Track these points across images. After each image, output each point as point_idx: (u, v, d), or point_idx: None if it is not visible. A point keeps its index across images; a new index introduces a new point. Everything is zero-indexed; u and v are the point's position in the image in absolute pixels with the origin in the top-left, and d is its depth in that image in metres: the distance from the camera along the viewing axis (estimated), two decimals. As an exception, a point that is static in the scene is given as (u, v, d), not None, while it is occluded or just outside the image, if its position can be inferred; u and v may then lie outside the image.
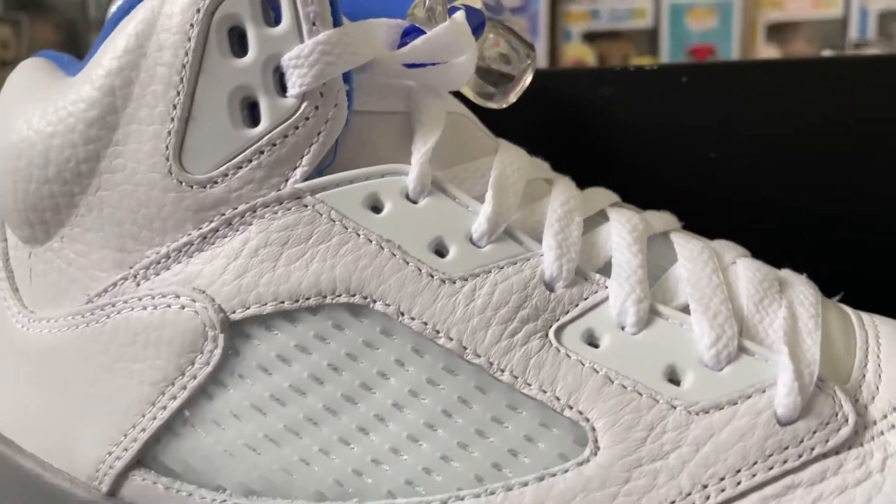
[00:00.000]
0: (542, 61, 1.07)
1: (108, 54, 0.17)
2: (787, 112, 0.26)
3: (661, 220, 0.20)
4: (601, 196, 0.20)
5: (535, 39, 1.08)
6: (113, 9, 0.19)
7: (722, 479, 0.14)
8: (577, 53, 1.08)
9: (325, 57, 0.16)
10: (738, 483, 0.14)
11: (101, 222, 0.17)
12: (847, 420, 0.15)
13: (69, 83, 0.18)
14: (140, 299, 0.17)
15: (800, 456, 0.14)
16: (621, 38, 1.09)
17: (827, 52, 0.97)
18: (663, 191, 0.23)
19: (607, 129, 0.26)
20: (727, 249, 0.19)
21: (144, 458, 0.17)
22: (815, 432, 0.14)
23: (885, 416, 0.15)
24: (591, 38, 1.08)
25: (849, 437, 0.14)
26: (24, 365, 0.19)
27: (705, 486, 0.14)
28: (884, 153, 0.25)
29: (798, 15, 1.04)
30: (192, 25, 0.16)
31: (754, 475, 0.14)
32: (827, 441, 0.14)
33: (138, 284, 0.17)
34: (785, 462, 0.14)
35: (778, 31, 1.06)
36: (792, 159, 0.26)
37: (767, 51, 1.04)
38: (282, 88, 0.17)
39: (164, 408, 0.17)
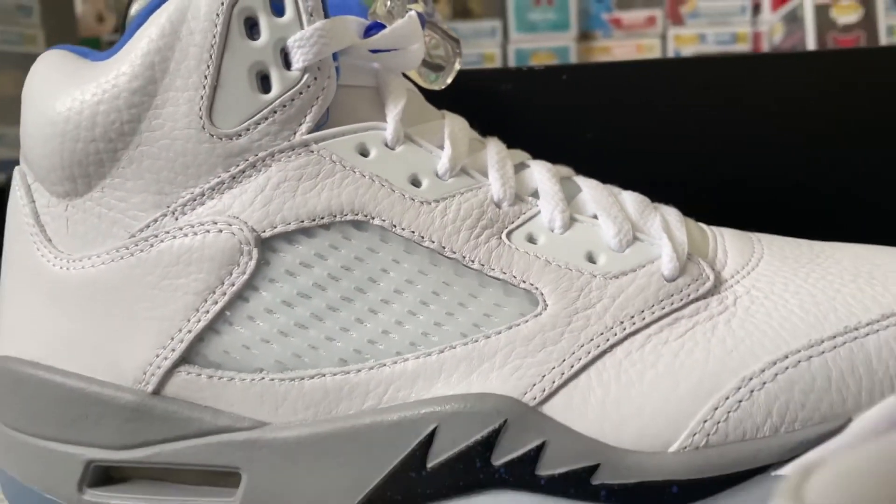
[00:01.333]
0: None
1: (145, 38, 0.22)
2: (641, 103, 0.34)
3: (565, 170, 0.26)
4: (520, 154, 0.26)
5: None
6: (134, 9, 0.24)
7: (632, 316, 0.21)
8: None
9: (321, 40, 0.22)
10: (644, 318, 0.21)
11: (140, 171, 0.22)
12: (709, 277, 0.21)
13: (107, 64, 0.22)
14: (181, 229, 0.21)
15: (681, 300, 0.21)
16: (475, 80, 1.18)
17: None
18: (553, 160, 0.29)
19: (507, 115, 0.32)
20: (612, 188, 0.26)
21: (189, 356, 0.21)
22: (689, 285, 0.21)
23: (733, 276, 0.22)
24: (447, 80, 1.17)
25: (711, 288, 0.21)
26: (64, 301, 0.22)
27: (622, 322, 0.20)
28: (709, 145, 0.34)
29: (625, 58, 1.18)
30: (217, 15, 0.21)
31: (653, 312, 0.21)
32: (698, 290, 0.21)
33: (177, 219, 0.21)
34: (672, 304, 0.21)
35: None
36: (652, 138, 0.33)
37: (603, 89, 1.18)
38: (287, 64, 0.22)
39: (207, 311, 0.21)
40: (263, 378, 0.21)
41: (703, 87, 0.34)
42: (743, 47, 1.17)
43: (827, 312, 0.20)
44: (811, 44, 1.03)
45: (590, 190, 0.24)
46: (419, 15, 0.25)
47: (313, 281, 0.21)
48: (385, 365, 0.21)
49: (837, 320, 0.20)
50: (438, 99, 0.27)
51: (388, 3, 0.24)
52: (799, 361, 0.19)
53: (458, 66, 0.27)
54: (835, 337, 0.20)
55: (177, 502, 0.22)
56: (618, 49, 1.17)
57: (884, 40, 1.05)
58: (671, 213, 0.24)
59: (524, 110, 0.32)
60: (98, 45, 1.14)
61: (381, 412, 0.20)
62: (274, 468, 0.21)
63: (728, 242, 0.24)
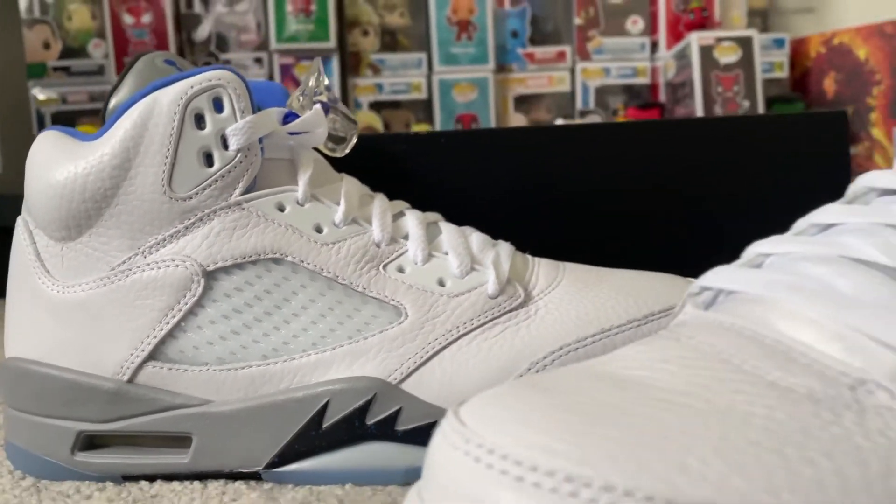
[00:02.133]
0: (336, 127, 1.23)
1: (122, 128, 0.30)
2: (504, 163, 0.43)
3: (433, 216, 0.36)
4: (401, 204, 0.36)
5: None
6: (113, 103, 0.33)
7: (465, 323, 0.30)
8: (367, 119, 1.26)
9: (250, 130, 0.31)
10: (472, 324, 0.30)
11: (119, 223, 0.30)
12: (521, 295, 0.31)
13: (94, 144, 0.31)
14: (148, 264, 0.30)
15: (499, 311, 0.30)
16: (403, 107, 1.28)
17: (560, 120, 1.22)
18: (429, 208, 0.39)
19: (397, 170, 0.42)
20: (467, 229, 0.35)
21: (154, 354, 0.30)
22: (506, 301, 0.31)
23: (539, 294, 0.32)
24: (377, 107, 1.27)
25: (521, 303, 0.31)
26: (60, 315, 0.31)
27: (458, 327, 0.30)
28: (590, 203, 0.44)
29: (538, 89, 1.29)
30: (175, 113, 0.30)
31: (479, 320, 0.30)
32: (511, 304, 0.31)
33: (145, 257, 0.30)
34: (492, 314, 0.30)
35: (524, 102, 1.30)
36: (510, 192, 0.43)
37: (516, 117, 1.29)
38: (225, 146, 0.31)
39: (168, 323, 0.30)
40: (208, 369, 0.30)
41: (563, 150, 0.44)
42: (643, 80, 1.29)
43: (592, 319, 0.30)
44: (697, 80, 1.16)
45: (447, 233, 0.34)
46: (324, 104, 0.34)
47: (244, 301, 0.30)
48: (294, 359, 0.30)
49: (598, 324, 0.30)
50: (343, 162, 0.36)
51: (301, 98, 0.34)
52: (569, 352, 0.29)
53: (354, 140, 0.36)
54: (595, 335, 0.30)
55: (144, 459, 0.31)
56: (531, 80, 1.28)
57: (759, 77, 1.18)
58: (504, 249, 0.34)
59: (413, 168, 0.42)
60: (44, 71, 1.20)
61: (292, 391, 0.30)
62: (216, 432, 0.30)
63: (541, 270, 0.33)
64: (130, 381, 0.30)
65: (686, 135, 0.44)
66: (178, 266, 0.30)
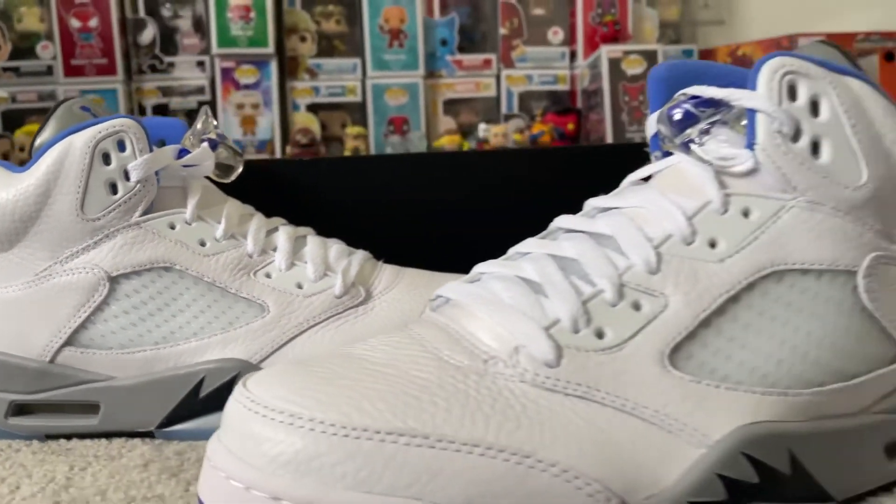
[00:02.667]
0: (276, 128, 1.32)
1: (45, 164, 0.38)
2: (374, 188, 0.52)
3: (304, 230, 0.45)
4: (277, 220, 0.44)
5: (269, 110, 1.32)
6: (38, 142, 0.41)
7: (315, 317, 0.39)
8: (305, 121, 1.34)
9: (147, 165, 0.39)
10: (320, 318, 0.39)
11: (41, 239, 0.39)
12: (362, 295, 0.40)
13: (22, 175, 0.39)
14: (66, 271, 0.39)
15: (343, 308, 0.40)
16: (339, 108, 1.36)
17: (483, 125, 1.31)
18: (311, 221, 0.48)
19: (288, 191, 0.50)
20: (331, 241, 0.44)
21: (70, 340, 0.39)
22: (350, 300, 0.40)
23: (379, 294, 0.41)
24: (314, 108, 1.35)
25: (362, 301, 0.40)
26: (-6, 311, 0.39)
27: (309, 321, 0.39)
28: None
29: (465, 94, 1.38)
30: (86, 153, 0.38)
31: (326, 315, 0.39)
32: (353, 302, 0.40)
33: (63, 265, 0.39)
34: (336, 310, 0.39)
35: (452, 106, 1.39)
36: (373, 204, 0.52)
37: (445, 120, 1.38)
38: (127, 178, 0.39)
39: (80, 317, 0.38)
40: (112, 353, 0.39)
41: (421, 174, 0.53)
42: (563, 87, 1.39)
43: (416, 313, 0.39)
44: (606, 90, 1.26)
45: (310, 245, 0.42)
46: (212, 141, 0.43)
47: (140, 300, 0.39)
48: (180, 345, 0.39)
49: (412, 315, 0.39)
50: (239, 186, 0.45)
51: (191, 138, 0.42)
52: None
53: (240, 169, 0.45)
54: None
55: (63, 422, 0.39)
56: (459, 86, 1.37)
57: (663, 89, 1.28)
58: (358, 257, 0.43)
59: (300, 189, 0.51)
60: (-7, 71, 1.25)
61: (177, 369, 0.38)
62: (118, 401, 0.39)
63: (385, 275, 0.43)
64: (51, 361, 0.39)
65: (508, 161, 0.53)
66: (88, 273, 0.39)
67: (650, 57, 1.28)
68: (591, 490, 0.23)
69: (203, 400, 0.38)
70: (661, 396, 0.24)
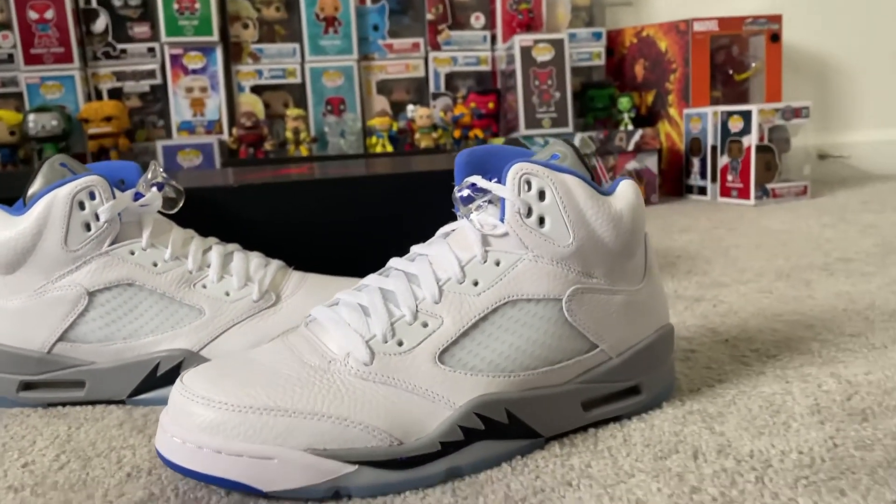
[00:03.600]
0: (223, 109, 1.44)
1: (36, 211, 0.54)
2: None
3: (232, 246, 0.60)
4: (212, 240, 0.60)
5: (216, 93, 1.45)
6: (30, 192, 0.56)
7: (237, 318, 0.55)
8: (249, 102, 1.47)
9: (111, 209, 0.55)
10: (240, 318, 0.55)
11: (36, 267, 0.54)
12: (273, 298, 0.56)
13: (20, 219, 0.54)
14: (56, 288, 0.54)
15: (258, 310, 0.56)
16: (281, 89, 1.49)
17: (410, 106, 1.46)
18: (238, 238, 0.64)
19: (217, 213, 0.66)
20: (253, 254, 0.60)
21: (62, 337, 0.54)
22: (264, 303, 0.56)
23: (287, 297, 0.57)
24: (258, 90, 1.48)
25: (274, 303, 0.56)
26: (5, 316, 0.55)
27: (233, 321, 0.55)
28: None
29: (397, 75, 1.52)
30: (67, 202, 0.54)
31: (243, 316, 0.55)
32: (267, 305, 0.56)
33: (54, 283, 0.54)
34: (252, 312, 0.56)
35: (385, 86, 1.53)
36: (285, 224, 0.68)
37: (379, 99, 1.52)
38: (97, 219, 0.54)
39: (68, 320, 0.54)
40: (93, 345, 0.55)
41: (323, 196, 0.69)
42: (485, 68, 1.53)
43: (313, 305, 0.56)
44: (518, 75, 1.41)
45: (236, 260, 0.58)
46: (159, 185, 0.58)
47: (111, 307, 0.55)
48: (141, 339, 0.55)
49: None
50: (183, 213, 0.60)
51: (143, 184, 0.57)
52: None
53: (181, 202, 0.60)
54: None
55: (58, 395, 0.55)
56: (391, 67, 1.51)
57: (568, 72, 1.44)
58: (272, 267, 0.59)
59: (227, 212, 0.66)
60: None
61: (141, 356, 0.55)
62: (99, 379, 0.55)
63: (292, 281, 0.59)
64: (49, 352, 0.55)
65: (389, 185, 0.69)
66: (72, 289, 0.54)
67: (558, 45, 1.43)
68: (381, 437, 0.40)
69: (160, 378, 0.55)
70: (430, 381, 0.41)
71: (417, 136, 1.41)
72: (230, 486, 0.39)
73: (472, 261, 0.44)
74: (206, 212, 0.66)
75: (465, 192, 0.46)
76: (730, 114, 1.43)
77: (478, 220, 0.46)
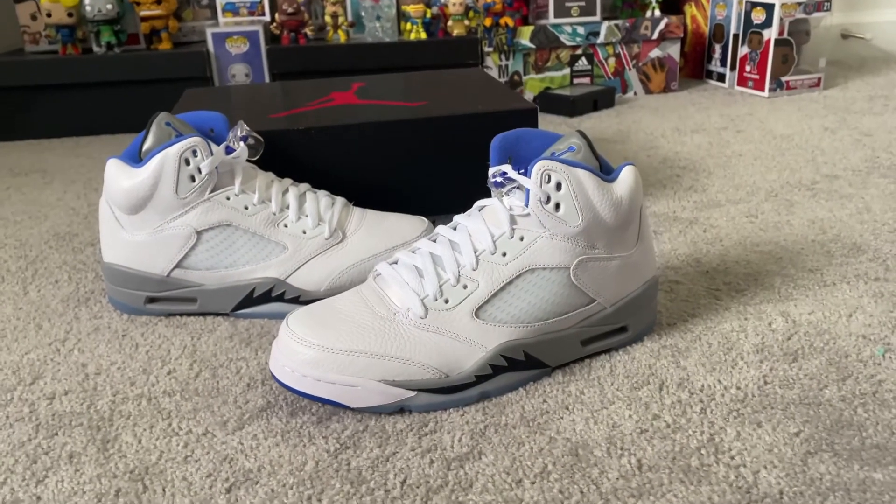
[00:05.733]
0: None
1: (151, 166, 0.67)
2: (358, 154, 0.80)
3: (304, 187, 0.74)
4: (287, 181, 0.73)
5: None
6: (145, 148, 0.69)
7: (313, 252, 0.70)
8: None
9: (210, 164, 0.68)
10: (311, 255, 0.70)
11: (155, 209, 0.68)
12: (341, 236, 0.70)
13: (139, 171, 0.67)
14: (171, 227, 0.68)
15: (328, 246, 0.70)
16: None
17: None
18: (312, 181, 0.77)
19: (290, 157, 0.79)
20: (321, 193, 0.74)
21: (178, 264, 0.69)
22: (334, 240, 0.70)
23: (352, 233, 0.71)
24: None
25: (341, 239, 0.70)
26: (129, 248, 0.69)
27: (310, 255, 0.70)
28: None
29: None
30: (175, 160, 0.67)
31: (316, 252, 0.70)
32: (336, 241, 0.70)
33: (170, 223, 0.68)
34: (325, 248, 0.70)
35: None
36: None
37: None
38: (200, 172, 0.68)
39: (182, 252, 0.69)
40: (202, 271, 0.69)
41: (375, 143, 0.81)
42: None
43: (371, 249, 0.70)
44: None
45: (308, 201, 0.72)
46: (244, 138, 0.71)
47: (215, 243, 0.69)
48: (239, 268, 0.69)
49: (371, 249, 0.70)
50: (265, 158, 0.73)
51: (233, 139, 0.70)
52: (355, 265, 0.69)
53: (261, 151, 0.72)
54: (366, 258, 0.69)
55: (178, 308, 0.71)
56: None
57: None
58: (338, 206, 0.73)
59: (297, 155, 0.78)
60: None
61: (240, 282, 0.70)
62: (208, 297, 0.70)
63: (354, 217, 0.73)
64: (168, 276, 0.70)
65: (432, 126, 0.81)
66: (184, 229, 0.68)
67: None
68: (434, 372, 0.55)
69: (255, 298, 0.70)
70: (468, 331, 0.56)
71: (450, 23, 1.48)
72: (326, 402, 0.55)
73: (502, 236, 0.58)
74: (281, 154, 0.78)
75: (498, 179, 0.59)
76: (753, 4, 1.47)
77: (507, 203, 0.59)
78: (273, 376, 0.57)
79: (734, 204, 0.94)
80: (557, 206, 0.57)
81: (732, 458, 0.49)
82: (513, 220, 0.58)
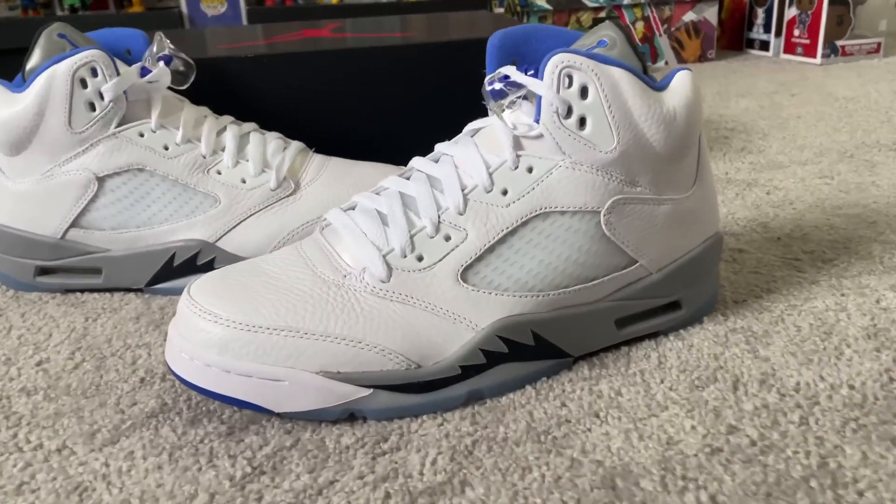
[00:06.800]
0: None
1: (35, 89, 0.50)
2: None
3: (249, 126, 0.56)
4: (227, 119, 0.56)
5: None
6: (29, 66, 0.52)
7: (254, 207, 0.52)
8: None
9: (115, 86, 0.50)
10: (258, 207, 0.52)
11: (42, 148, 0.51)
12: (292, 186, 0.53)
13: (20, 97, 0.50)
14: (63, 173, 0.51)
15: (276, 198, 0.52)
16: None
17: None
18: (254, 115, 0.60)
19: (232, 89, 0.61)
20: (270, 135, 0.56)
21: (74, 223, 0.52)
22: (283, 190, 0.53)
23: (307, 184, 0.53)
24: None
25: (293, 191, 0.53)
26: (13, 198, 0.52)
27: (249, 210, 0.52)
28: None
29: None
30: (67, 78, 0.49)
31: (262, 205, 0.52)
32: (286, 193, 0.53)
33: (61, 167, 0.51)
34: (270, 201, 0.52)
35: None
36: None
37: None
38: (102, 98, 0.50)
39: (80, 206, 0.51)
40: (106, 232, 0.52)
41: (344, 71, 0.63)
42: None
43: (330, 200, 0.52)
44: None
45: (252, 144, 0.54)
46: (166, 58, 0.53)
47: (122, 194, 0.52)
48: (155, 228, 0.52)
49: (332, 203, 0.52)
50: (196, 87, 0.56)
51: (149, 59, 0.53)
52: (308, 224, 0.52)
53: (192, 76, 0.55)
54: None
55: (75, 280, 0.54)
56: None
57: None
58: (291, 151, 0.55)
59: (242, 86, 0.61)
60: None
61: (156, 246, 0.52)
62: (115, 267, 0.53)
63: (313, 166, 0.55)
64: (62, 238, 0.53)
65: (413, 56, 0.63)
66: (80, 174, 0.51)
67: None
68: (398, 360, 0.37)
69: (176, 268, 0.53)
70: (451, 301, 0.38)
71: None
72: (240, 404, 0.37)
73: (501, 166, 0.40)
74: (222, 86, 0.61)
75: (497, 86, 0.41)
76: (804, -41, 1.29)
77: (510, 119, 0.41)
78: (168, 368, 0.39)
79: (801, 165, 0.76)
80: (582, 121, 0.39)
81: (861, 493, 0.31)
82: (517, 144, 0.40)
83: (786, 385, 0.39)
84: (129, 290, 0.54)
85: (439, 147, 0.43)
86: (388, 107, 0.64)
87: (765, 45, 1.41)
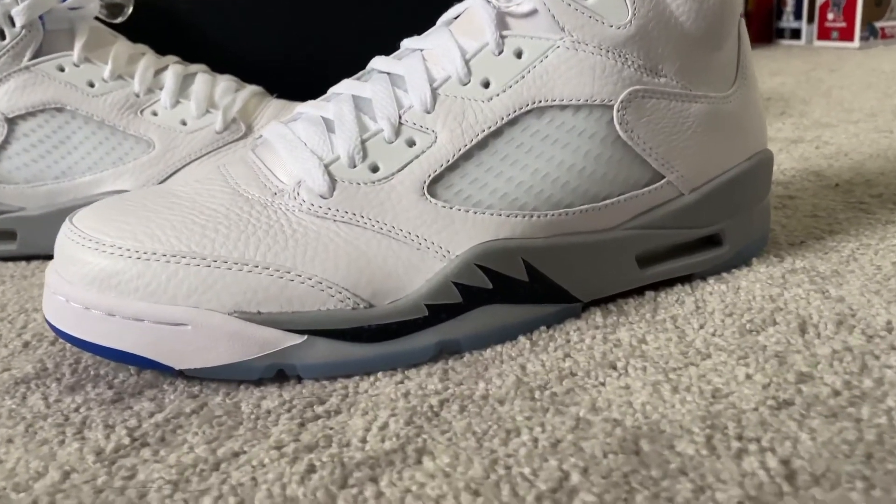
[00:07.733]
0: None
1: (-67, 14, 0.41)
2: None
3: (196, 67, 0.48)
4: (171, 58, 0.47)
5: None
6: (-73, -10, 0.43)
7: (201, 149, 0.43)
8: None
9: (29, 10, 0.42)
10: (205, 151, 0.43)
11: (-58, 85, 0.42)
12: (242, 129, 0.44)
13: (-85, 26, 0.42)
14: (-33, 114, 0.43)
15: (224, 142, 0.43)
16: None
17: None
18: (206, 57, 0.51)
19: (182, 27, 0.53)
20: (223, 77, 0.47)
21: (-18, 177, 0.43)
22: (230, 134, 0.44)
23: (259, 128, 0.44)
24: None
25: (243, 134, 0.44)
26: None
27: (199, 150, 0.43)
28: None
29: None
30: (-30, 1, 0.41)
31: (209, 148, 0.43)
32: (234, 136, 0.44)
33: (-35, 109, 0.43)
34: (217, 144, 0.43)
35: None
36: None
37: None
38: (12, 24, 0.42)
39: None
40: (19, 186, 0.43)
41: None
42: None
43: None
44: None
45: (197, 83, 0.46)
46: (96, -18, 0.45)
47: (37, 139, 0.43)
48: (76, 178, 0.43)
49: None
50: (137, 25, 0.48)
51: (73, -19, 0.44)
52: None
53: (129, 9, 0.47)
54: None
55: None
56: None
57: None
58: (244, 94, 0.46)
59: (193, 25, 0.53)
60: None
61: (77, 200, 0.43)
62: (31, 229, 0.44)
63: (270, 110, 0.46)
64: None
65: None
66: (-13, 114, 0.43)
67: None
68: (342, 297, 0.27)
69: (101, 226, 0.44)
70: (415, 220, 0.29)
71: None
72: (131, 360, 0.28)
73: (481, 51, 0.30)
74: (170, 24, 0.53)
75: (475, -47, 0.32)
76: (834, -62, 1.20)
77: (492, -7, 0.31)
78: (47, 321, 0.30)
79: (852, 124, 0.65)
80: (585, -14, 0.30)
81: None
82: (502, 22, 0.31)
83: (872, 325, 0.28)
84: (50, 257, 0.45)
85: (406, 42, 0.34)
86: (370, 51, 0.56)
87: (796, 34, 1.31)
